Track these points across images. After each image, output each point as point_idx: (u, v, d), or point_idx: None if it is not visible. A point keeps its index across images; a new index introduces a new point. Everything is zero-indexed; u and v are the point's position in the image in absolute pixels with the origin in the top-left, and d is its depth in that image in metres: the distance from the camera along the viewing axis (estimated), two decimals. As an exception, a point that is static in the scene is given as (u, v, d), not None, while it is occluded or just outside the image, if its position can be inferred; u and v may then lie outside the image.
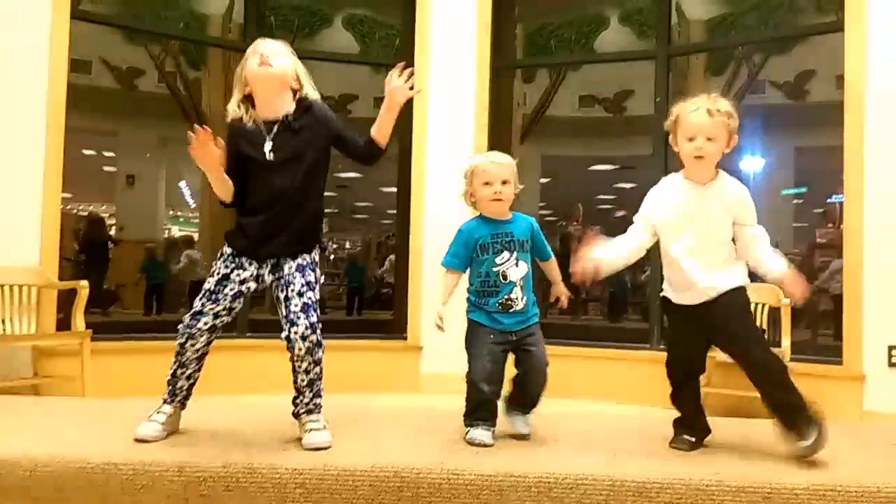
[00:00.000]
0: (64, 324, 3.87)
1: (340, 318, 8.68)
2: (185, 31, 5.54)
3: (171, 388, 2.15)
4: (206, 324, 2.09)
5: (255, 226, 2.12)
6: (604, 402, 3.96)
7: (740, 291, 2.06)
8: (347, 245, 11.73)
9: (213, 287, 2.11)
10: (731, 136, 2.03)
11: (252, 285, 2.15)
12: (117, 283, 7.71)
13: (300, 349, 2.04)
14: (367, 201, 12.15)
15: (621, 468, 1.88)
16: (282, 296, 2.10)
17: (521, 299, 2.16)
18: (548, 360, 2.19)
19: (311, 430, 2.07)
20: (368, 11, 5.45)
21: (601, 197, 9.75)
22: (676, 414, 2.17)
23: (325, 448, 2.02)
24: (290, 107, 2.14)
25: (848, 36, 3.81)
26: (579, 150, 8.48)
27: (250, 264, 2.14)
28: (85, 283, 3.81)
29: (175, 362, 2.13)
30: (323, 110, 2.18)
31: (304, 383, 2.10)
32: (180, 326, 2.11)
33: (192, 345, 2.10)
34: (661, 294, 2.18)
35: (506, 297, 2.14)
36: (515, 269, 2.16)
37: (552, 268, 2.29)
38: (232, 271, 2.13)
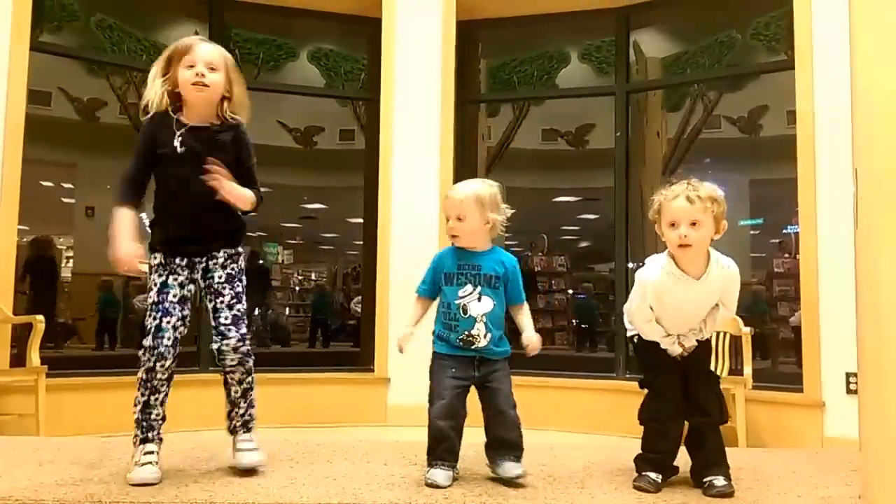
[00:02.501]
0: (18, 360, 3.75)
1: (305, 350, 8.55)
2: (147, 63, 5.48)
3: (145, 422, 2.01)
4: (169, 338, 2.01)
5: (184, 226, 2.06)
6: (570, 433, 3.96)
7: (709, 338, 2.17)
8: (313, 276, 11.61)
9: (158, 298, 2.02)
10: (719, 222, 1.99)
11: (191, 288, 2.08)
12: (74, 317, 7.47)
13: (232, 360, 2.04)
14: (333, 232, 12.08)
15: (589, 500, 1.87)
16: (210, 305, 2.07)
17: (485, 336, 2.03)
18: (514, 402, 2.04)
19: (244, 449, 2.07)
20: (334, 46, 5.49)
21: (565, 228, 9.87)
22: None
23: (260, 467, 2.03)
24: (214, 112, 2.08)
25: (798, 74, 3.97)
26: (543, 181, 8.59)
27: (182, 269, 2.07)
28: (41, 317, 3.70)
29: (146, 391, 2.00)
30: (245, 136, 2.12)
31: (238, 394, 2.10)
32: (145, 350, 1.99)
33: (162, 365, 2.00)
34: (634, 337, 2.13)
35: (466, 332, 2.02)
36: (477, 304, 2.03)
37: (523, 313, 2.11)
38: (168, 277, 2.04)
